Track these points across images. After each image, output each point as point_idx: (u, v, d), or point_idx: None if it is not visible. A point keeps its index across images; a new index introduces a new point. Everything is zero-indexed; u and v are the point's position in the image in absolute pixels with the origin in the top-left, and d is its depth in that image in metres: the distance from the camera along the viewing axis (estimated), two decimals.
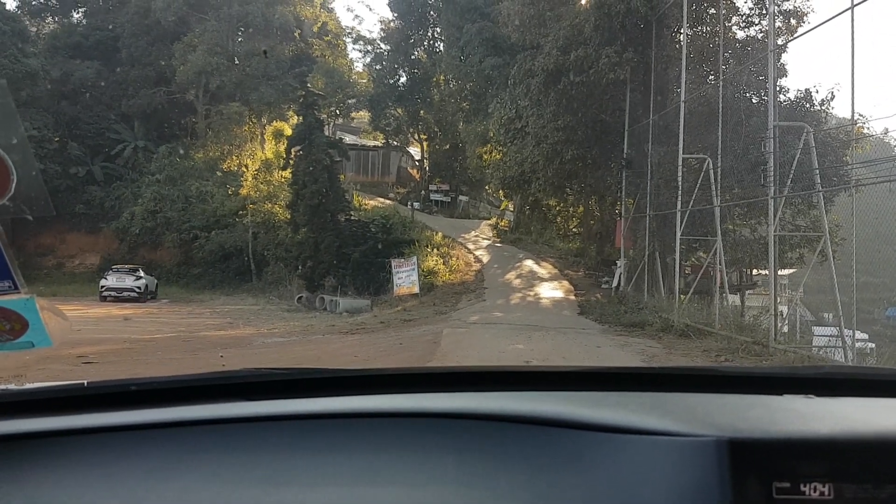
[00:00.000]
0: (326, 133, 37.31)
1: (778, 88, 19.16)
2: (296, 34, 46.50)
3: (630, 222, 21.59)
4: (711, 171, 16.88)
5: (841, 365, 11.65)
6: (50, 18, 53.88)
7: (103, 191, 44.51)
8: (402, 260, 23.59)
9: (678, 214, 16.96)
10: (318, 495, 1.28)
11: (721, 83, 16.34)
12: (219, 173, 43.46)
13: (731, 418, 1.38)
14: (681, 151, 16.87)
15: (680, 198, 16.97)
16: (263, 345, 15.79)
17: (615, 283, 22.73)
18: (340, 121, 55.54)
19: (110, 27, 49.31)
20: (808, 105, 19.16)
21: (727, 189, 18.01)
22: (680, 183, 16.98)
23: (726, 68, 19.74)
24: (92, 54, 47.78)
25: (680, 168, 16.99)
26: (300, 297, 30.16)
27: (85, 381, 1.65)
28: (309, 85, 29.79)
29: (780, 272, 23.12)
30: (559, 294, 23.83)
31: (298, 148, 29.70)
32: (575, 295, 23.57)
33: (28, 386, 1.71)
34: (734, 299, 22.20)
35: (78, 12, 53.58)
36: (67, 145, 43.87)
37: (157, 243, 42.72)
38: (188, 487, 1.30)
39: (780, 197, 13.95)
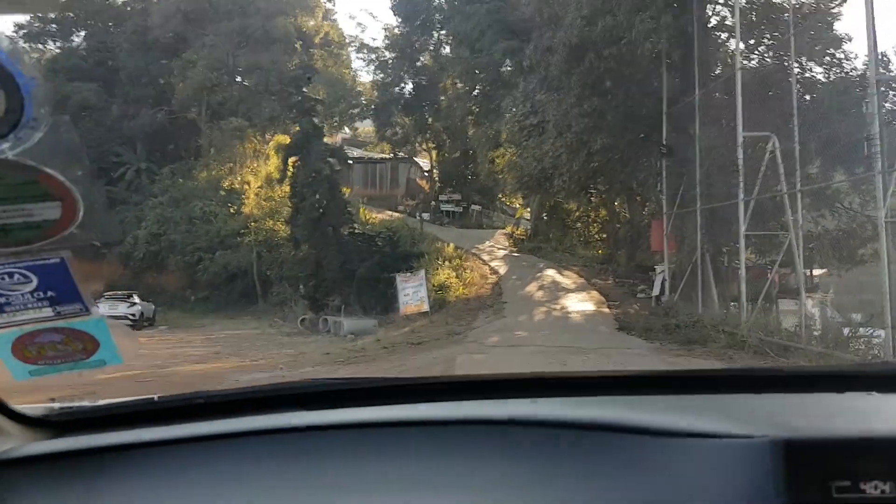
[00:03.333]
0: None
1: (844, 55, 15.67)
2: (297, 46, 43.38)
3: (673, 220, 17.96)
4: (778, 152, 13.35)
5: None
6: (51, 43, 51.18)
7: (88, 205, 41.55)
8: (409, 274, 20.07)
9: (741, 205, 13.38)
10: (381, 500, 1.30)
11: (792, 36, 12.76)
12: (222, 192, 40.39)
13: (789, 418, 1.36)
14: (740, 129, 13.32)
15: (742, 185, 13.41)
16: (235, 383, 12.41)
17: (656, 292, 19.09)
18: (347, 132, 52.53)
19: (109, 48, 46.54)
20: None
21: (793, 173, 14.47)
22: (741, 167, 13.42)
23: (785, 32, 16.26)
24: (91, 76, 45.07)
25: (740, 149, 13.42)
26: (303, 320, 26.78)
27: (155, 396, 1.70)
28: (305, 90, 26.54)
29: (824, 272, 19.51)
30: (590, 307, 20.24)
31: (296, 158, 26.40)
32: (608, 307, 19.96)
33: (101, 402, 1.73)
34: (788, 306, 18.56)
35: (78, 35, 50.96)
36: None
37: (162, 267, 39.66)
38: (254, 495, 1.33)
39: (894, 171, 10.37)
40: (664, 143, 17.31)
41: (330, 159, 26.51)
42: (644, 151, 18.84)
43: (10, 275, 1.50)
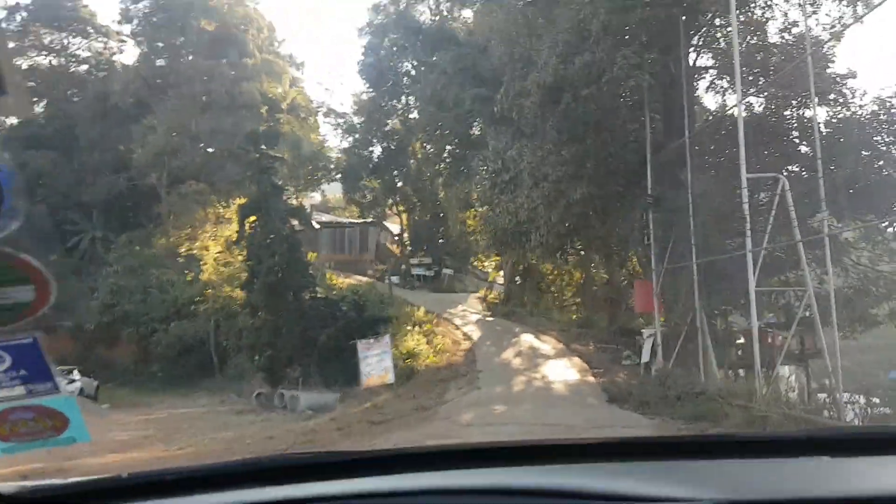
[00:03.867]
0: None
1: (851, 93, 14.09)
2: (262, 111, 41.73)
3: (663, 278, 15.88)
4: (789, 195, 11.48)
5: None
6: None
7: (58, 287, 38.56)
8: (372, 341, 17.58)
9: (748, 257, 11.36)
10: None
11: (811, 59, 11.04)
12: (180, 259, 37.82)
13: (739, 482, 1.42)
14: (743, 170, 11.44)
15: (749, 234, 11.41)
16: None
17: (645, 359, 16.88)
18: (317, 198, 50.68)
19: (69, 115, 44.60)
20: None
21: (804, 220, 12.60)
22: (747, 213, 11.48)
23: (765, 76, 14.70)
24: (50, 144, 43.02)
25: (745, 192, 11.50)
26: (258, 394, 24.06)
27: (124, 473, 1.67)
28: (264, 147, 24.52)
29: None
30: (573, 375, 17.97)
31: (254, 218, 24.12)
32: (593, 375, 17.71)
33: (71, 480, 1.71)
34: (788, 372, 16.47)
35: (40, 105, 48.96)
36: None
37: (115, 340, 36.85)
38: None
39: None
40: (650, 192, 15.44)
41: (291, 219, 24.28)
42: (626, 204, 16.95)
43: None
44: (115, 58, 47.78)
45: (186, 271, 35.63)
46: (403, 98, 38.86)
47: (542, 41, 14.86)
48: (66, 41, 48.50)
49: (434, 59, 23.92)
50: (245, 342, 26.82)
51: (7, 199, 1.25)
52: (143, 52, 44.76)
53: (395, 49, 37.68)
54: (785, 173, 13.57)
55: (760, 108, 15.79)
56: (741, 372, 16.67)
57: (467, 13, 33.69)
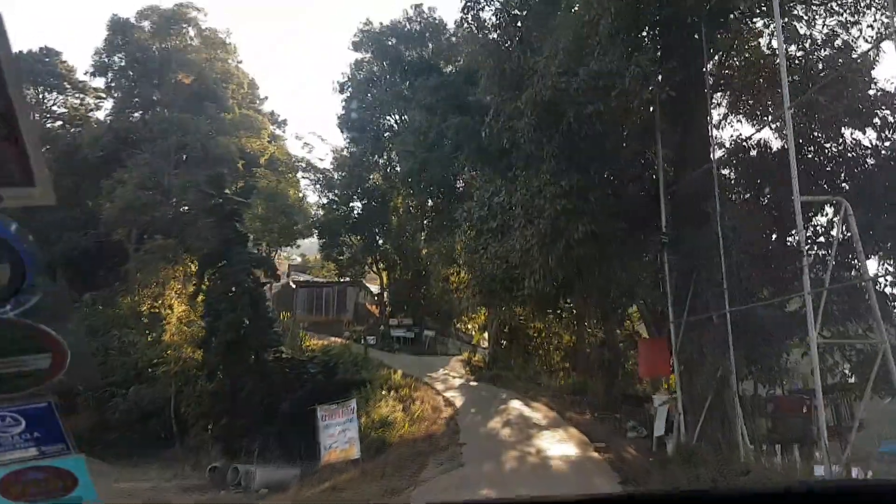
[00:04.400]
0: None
1: None
2: (240, 165, 39.30)
3: (680, 333, 13.03)
4: (852, 221, 8.89)
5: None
6: None
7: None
8: (335, 407, 14.44)
9: (808, 300, 8.62)
10: None
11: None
12: (144, 319, 34.53)
13: None
14: (796, 191, 8.83)
15: (807, 272, 8.69)
16: None
17: (659, 432, 13.88)
18: (297, 259, 47.91)
19: None
20: None
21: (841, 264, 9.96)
22: (804, 245, 8.79)
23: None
24: None
25: (799, 217, 8.84)
26: (213, 468, 20.69)
27: None
28: (228, 192, 21.86)
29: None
30: (572, 449, 14.90)
31: (213, 270, 21.21)
32: (596, 450, 14.63)
33: None
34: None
35: None
36: None
37: (72, 406, 33.02)
38: None
39: None
40: (664, 232, 12.80)
41: (255, 270, 21.40)
42: (632, 246, 14.29)
43: (2, 418, 1.67)
44: (91, 113, 45.67)
45: (147, 332, 32.37)
46: (385, 154, 36.84)
47: (539, 52, 12.47)
48: (41, 96, 46.34)
49: (417, 94, 21.56)
50: (202, 409, 23.50)
51: (30, 277, 1.26)
52: (117, 105, 42.61)
53: (376, 105, 35.91)
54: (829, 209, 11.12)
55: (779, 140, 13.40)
56: (764, 447, 13.81)
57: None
